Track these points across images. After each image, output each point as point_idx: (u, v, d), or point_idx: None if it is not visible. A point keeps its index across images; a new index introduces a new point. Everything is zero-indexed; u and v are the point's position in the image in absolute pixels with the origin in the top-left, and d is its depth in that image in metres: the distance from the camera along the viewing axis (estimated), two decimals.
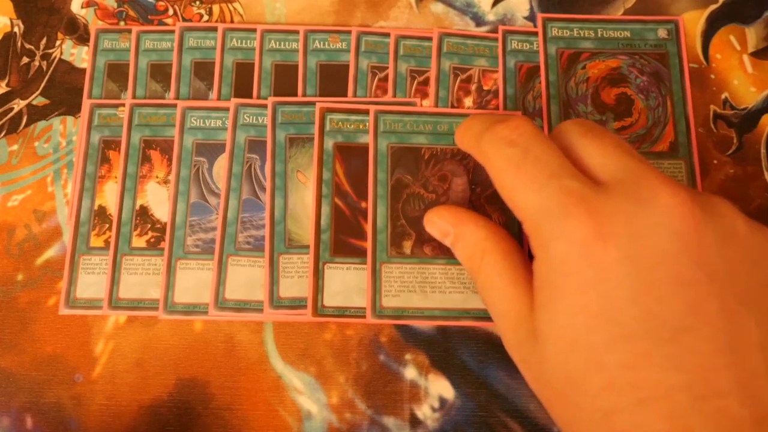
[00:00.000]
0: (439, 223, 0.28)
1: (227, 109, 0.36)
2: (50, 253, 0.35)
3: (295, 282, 0.33)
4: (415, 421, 0.32)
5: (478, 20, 0.38)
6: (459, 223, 0.27)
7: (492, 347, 0.33)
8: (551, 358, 0.21)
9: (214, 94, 0.37)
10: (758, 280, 0.20)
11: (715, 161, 0.36)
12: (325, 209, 0.34)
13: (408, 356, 0.33)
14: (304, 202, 0.35)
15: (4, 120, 0.37)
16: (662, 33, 0.37)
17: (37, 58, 0.38)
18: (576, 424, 0.20)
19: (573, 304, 0.20)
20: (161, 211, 0.35)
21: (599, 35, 0.37)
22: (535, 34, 0.37)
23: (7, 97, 0.37)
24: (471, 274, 0.26)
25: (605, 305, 0.19)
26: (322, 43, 0.37)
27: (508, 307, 0.23)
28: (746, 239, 0.20)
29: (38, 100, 0.37)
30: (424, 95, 0.36)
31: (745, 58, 0.37)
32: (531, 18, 0.38)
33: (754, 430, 0.18)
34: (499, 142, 0.23)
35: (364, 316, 0.33)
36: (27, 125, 0.37)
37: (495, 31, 0.38)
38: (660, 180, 0.20)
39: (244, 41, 0.37)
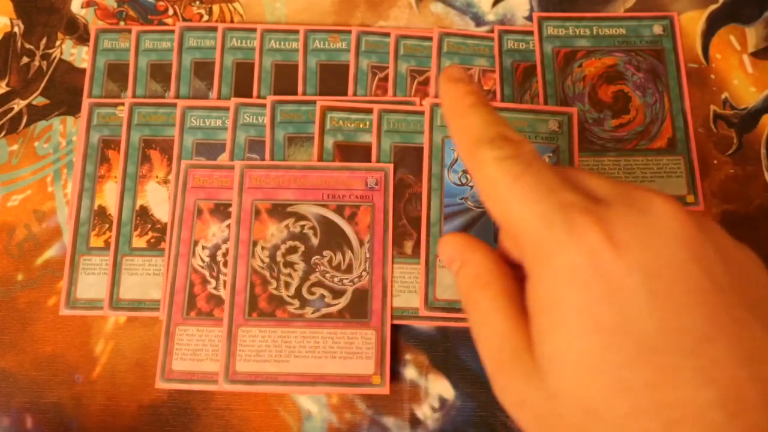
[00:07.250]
0: (449, 248, 0.26)
1: (227, 109, 0.36)
2: (50, 253, 0.35)
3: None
4: (415, 421, 0.32)
5: (478, 20, 0.38)
6: (466, 250, 0.25)
7: None
8: (563, 389, 0.19)
9: (214, 94, 0.37)
10: (752, 291, 0.19)
11: (715, 161, 0.36)
12: None
13: (408, 356, 0.33)
14: None
15: (4, 120, 0.37)
16: (657, 29, 0.37)
17: (37, 58, 0.38)
18: None
19: (585, 320, 0.19)
20: (161, 211, 0.35)
21: (595, 33, 0.37)
22: (531, 33, 0.37)
23: (7, 97, 0.37)
24: (466, 308, 0.24)
25: (622, 318, 0.18)
26: (322, 42, 0.37)
27: (500, 343, 0.22)
28: (733, 251, 0.20)
29: (38, 100, 0.37)
30: (424, 95, 0.36)
31: (745, 58, 0.37)
32: (531, 18, 0.38)
33: None
34: (500, 152, 0.22)
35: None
36: (27, 125, 0.37)
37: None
38: (650, 191, 0.20)
39: (244, 41, 0.37)
